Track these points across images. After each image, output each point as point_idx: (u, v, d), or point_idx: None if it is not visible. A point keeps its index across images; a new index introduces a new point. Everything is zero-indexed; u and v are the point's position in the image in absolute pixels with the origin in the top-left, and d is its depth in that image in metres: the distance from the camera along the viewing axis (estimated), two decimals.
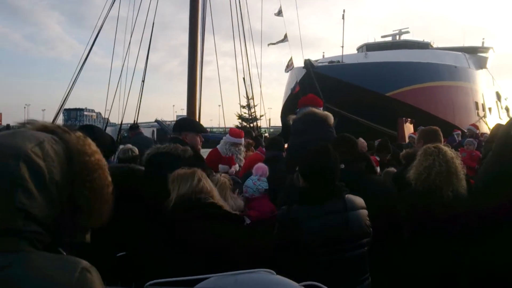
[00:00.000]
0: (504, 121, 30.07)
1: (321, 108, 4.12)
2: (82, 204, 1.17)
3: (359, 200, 2.72)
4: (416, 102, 20.45)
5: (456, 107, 23.70)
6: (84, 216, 1.19)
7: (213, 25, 10.67)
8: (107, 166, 1.23)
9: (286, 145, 5.52)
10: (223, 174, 3.69)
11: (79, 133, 1.20)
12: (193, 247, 2.54)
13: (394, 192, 3.63)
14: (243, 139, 5.93)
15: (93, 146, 1.21)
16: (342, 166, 3.02)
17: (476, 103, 26.56)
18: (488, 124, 26.48)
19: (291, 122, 4.22)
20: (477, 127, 14.36)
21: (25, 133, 1.16)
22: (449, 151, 3.27)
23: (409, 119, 18.48)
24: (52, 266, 1.05)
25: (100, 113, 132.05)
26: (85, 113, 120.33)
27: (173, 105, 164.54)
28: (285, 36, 16.31)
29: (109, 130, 12.55)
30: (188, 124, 4.28)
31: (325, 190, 2.65)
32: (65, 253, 1.15)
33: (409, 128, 16.48)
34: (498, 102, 32.98)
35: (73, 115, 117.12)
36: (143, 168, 3.74)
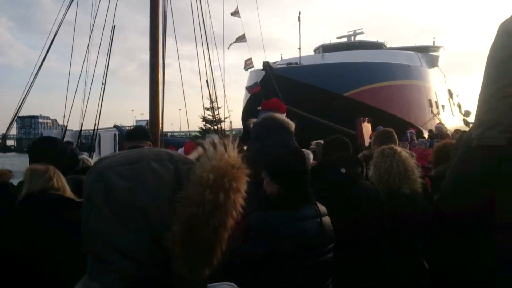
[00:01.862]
0: (456, 117, 31.33)
1: (284, 114, 4.09)
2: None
3: (323, 207, 2.72)
4: (373, 101, 20.93)
5: (411, 105, 24.42)
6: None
7: (174, 27, 10.52)
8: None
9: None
10: None
11: None
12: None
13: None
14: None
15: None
16: (343, 170, 3.04)
17: (430, 101, 27.45)
18: (442, 121, 27.42)
19: (251, 126, 4.17)
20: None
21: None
22: (403, 151, 3.43)
23: (367, 119, 18.88)
24: None
25: (56, 120, 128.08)
26: (40, 120, 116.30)
27: (132, 110, 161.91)
28: (243, 35, 16.36)
29: (68, 134, 12.19)
30: (146, 132, 4.22)
31: (301, 195, 2.61)
32: None
33: (367, 128, 16.81)
34: (451, 99, 34.18)
35: (27, 122, 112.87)
36: None
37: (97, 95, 10.40)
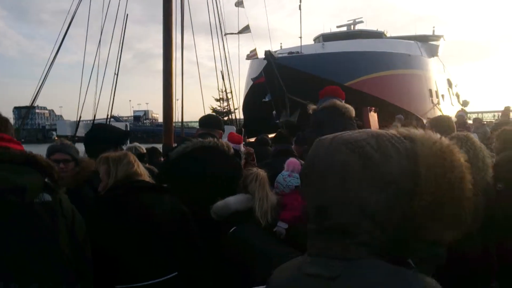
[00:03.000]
0: (455, 107, 31.31)
1: (343, 100, 4.03)
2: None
3: None
4: (374, 91, 20.87)
5: (412, 95, 24.41)
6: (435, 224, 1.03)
7: (191, 18, 10.50)
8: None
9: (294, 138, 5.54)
10: (259, 169, 3.49)
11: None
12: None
13: None
14: (242, 145, 5.59)
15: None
16: None
17: (430, 91, 27.43)
18: (442, 110, 27.42)
19: (311, 113, 4.10)
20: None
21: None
22: (476, 140, 3.33)
23: (373, 108, 18.83)
24: (385, 282, 0.94)
25: (53, 111, 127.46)
26: (37, 110, 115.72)
27: (130, 100, 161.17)
28: (247, 26, 16.28)
29: (81, 125, 12.18)
30: (219, 121, 4.21)
31: None
32: (413, 266, 1.05)
33: (373, 117, 16.76)
34: (450, 89, 34.17)
35: (23, 113, 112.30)
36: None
37: (97, 87, 10.43)
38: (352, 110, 3.89)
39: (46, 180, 2.04)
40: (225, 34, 17.82)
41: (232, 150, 3.68)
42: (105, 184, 2.73)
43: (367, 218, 1.00)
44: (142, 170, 2.81)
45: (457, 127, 10.44)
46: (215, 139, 3.61)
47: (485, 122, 14.77)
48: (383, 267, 0.97)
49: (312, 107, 4.10)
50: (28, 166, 1.95)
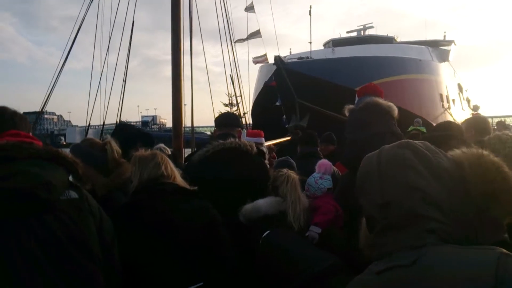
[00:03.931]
0: (466, 112, 31.06)
1: (382, 98, 3.78)
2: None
3: None
4: (385, 96, 20.66)
5: (423, 100, 24.18)
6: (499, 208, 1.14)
7: (199, 23, 10.38)
8: None
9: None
10: (290, 171, 3.31)
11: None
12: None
13: None
14: (263, 138, 5.48)
15: None
16: None
17: (441, 95, 27.17)
18: (453, 115, 27.14)
19: (347, 113, 3.86)
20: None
21: None
22: None
23: None
24: (464, 253, 1.03)
25: (61, 116, 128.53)
26: (46, 116, 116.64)
27: (138, 106, 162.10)
28: (258, 31, 16.20)
29: (90, 132, 12.15)
30: (237, 119, 4.06)
31: None
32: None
33: None
34: (460, 93, 33.90)
35: (32, 118, 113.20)
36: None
37: (105, 93, 10.42)
38: (395, 109, 3.63)
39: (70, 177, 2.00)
40: (235, 41, 17.78)
41: (255, 149, 3.48)
42: (132, 185, 2.60)
43: (430, 205, 1.10)
44: (171, 172, 2.64)
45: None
46: (236, 140, 3.43)
47: (511, 125, 14.63)
48: (457, 247, 1.05)
49: (349, 107, 3.83)
50: (53, 162, 1.89)
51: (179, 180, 2.68)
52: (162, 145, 5.49)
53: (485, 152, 1.24)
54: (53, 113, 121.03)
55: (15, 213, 1.71)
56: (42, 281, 1.70)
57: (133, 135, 3.96)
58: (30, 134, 2.09)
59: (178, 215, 2.50)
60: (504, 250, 1.01)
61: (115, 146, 3.02)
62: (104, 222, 2.08)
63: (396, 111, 3.62)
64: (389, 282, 1.08)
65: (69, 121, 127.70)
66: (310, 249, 2.84)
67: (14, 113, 2.16)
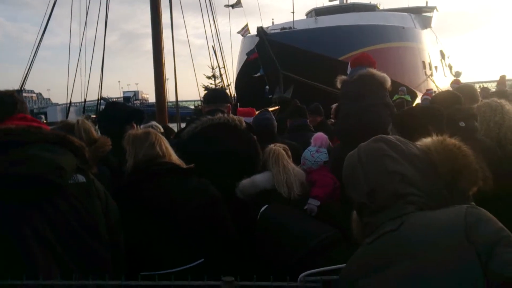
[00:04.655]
0: (448, 78, 31.24)
1: (375, 68, 3.67)
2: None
3: None
4: None
5: (405, 68, 24.22)
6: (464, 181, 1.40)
7: None
8: None
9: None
10: (277, 144, 3.30)
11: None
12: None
13: None
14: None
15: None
16: (462, 124, 3.20)
17: (423, 63, 27.27)
18: (435, 82, 27.29)
19: (339, 85, 3.74)
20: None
21: None
22: (508, 105, 3.36)
23: None
24: (439, 212, 1.26)
25: (40, 94, 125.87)
26: (24, 94, 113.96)
27: (119, 81, 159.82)
28: (239, 1, 15.88)
29: (72, 110, 11.84)
30: (225, 95, 3.94)
31: None
32: None
33: None
34: (443, 60, 34.06)
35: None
36: None
37: (85, 69, 10.14)
38: (389, 80, 3.55)
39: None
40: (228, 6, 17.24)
41: (244, 124, 3.42)
42: (127, 165, 2.56)
43: (408, 184, 1.34)
44: (166, 151, 2.58)
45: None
46: (225, 115, 3.37)
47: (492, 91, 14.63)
48: (433, 211, 1.29)
49: (341, 78, 3.72)
50: (61, 146, 1.91)
51: (175, 158, 2.62)
52: (154, 122, 5.40)
53: (446, 137, 1.47)
54: (32, 91, 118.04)
55: (28, 198, 1.73)
56: (55, 263, 1.73)
57: (124, 112, 3.84)
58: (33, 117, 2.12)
59: (177, 194, 2.46)
60: (470, 204, 1.28)
61: (83, 124, 2.94)
62: (110, 205, 2.10)
63: (389, 82, 3.56)
64: (382, 246, 1.30)
65: (49, 99, 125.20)
66: (309, 222, 2.84)
67: (17, 97, 2.15)
